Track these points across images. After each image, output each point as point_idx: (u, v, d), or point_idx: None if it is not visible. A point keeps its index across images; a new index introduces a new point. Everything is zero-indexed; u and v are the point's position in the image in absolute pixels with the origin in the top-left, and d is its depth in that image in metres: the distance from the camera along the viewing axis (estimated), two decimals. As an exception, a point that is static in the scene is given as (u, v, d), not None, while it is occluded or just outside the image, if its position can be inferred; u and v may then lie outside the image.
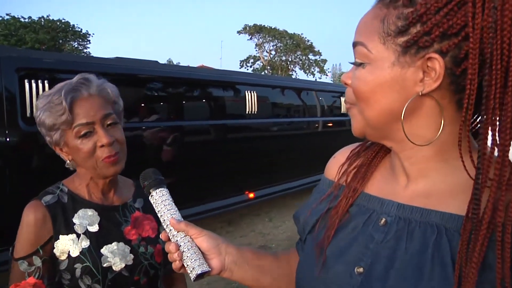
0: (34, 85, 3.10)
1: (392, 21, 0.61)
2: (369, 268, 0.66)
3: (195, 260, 0.80)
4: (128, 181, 1.31)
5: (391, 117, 0.65)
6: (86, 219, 1.13)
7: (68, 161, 1.15)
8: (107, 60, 3.97)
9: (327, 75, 52.27)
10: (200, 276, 0.79)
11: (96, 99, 1.11)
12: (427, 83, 0.60)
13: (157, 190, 0.86)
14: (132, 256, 1.15)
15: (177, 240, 0.82)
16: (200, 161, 4.61)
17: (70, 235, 1.10)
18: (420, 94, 0.61)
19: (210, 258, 0.84)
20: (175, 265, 0.82)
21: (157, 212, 0.86)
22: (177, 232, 0.82)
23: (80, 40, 36.91)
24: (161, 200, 0.85)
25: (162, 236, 0.86)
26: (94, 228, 1.13)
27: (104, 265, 1.10)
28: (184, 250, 0.80)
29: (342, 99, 7.43)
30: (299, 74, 49.88)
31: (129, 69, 3.84)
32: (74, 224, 1.12)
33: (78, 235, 1.11)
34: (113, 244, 1.14)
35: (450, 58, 0.58)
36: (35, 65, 3.25)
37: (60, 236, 1.09)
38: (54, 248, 1.09)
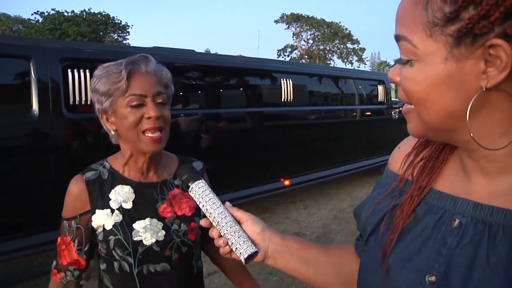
0: (76, 74, 3.23)
1: (438, 6, 0.50)
2: (443, 277, 0.58)
3: (243, 242, 0.81)
4: (172, 157, 1.35)
5: (452, 118, 0.55)
6: (122, 196, 1.20)
7: (112, 132, 1.20)
8: (144, 49, 4.06)
9: (365, 64, 51.34)
10: (250, 258, 0.81)
11: (152, 77, 1.18)
12: (492, 74, 0.49)
13: (196, 183, 0.89)
14: (164, 232, 1.20)
15: (222, 226, 0.83)
16: (238, 148, 4.68)
17: (105, 210, 1.18)
18: (484, 89, 0.50)
19: (254, 244, 0.84)
20: (223, 250, 0.84)
21: (198, 203, 0.88)
22: (222, 218, 0.84)
23: (120, 31, 38.03)
24: (201, 190, 0.88)
25: (202, 223, 0.88)
26: (128, 205, 1.19)
27: (135, 239, 1.16)
28: (231, 234, 0.82)
29: (380, 87, 7.31)
30: (337, 63, 49.27)
31: (167, 58, 3.89)
32: (110, 199, 1.19)
33: (112, 210, 1.18)
34: (147, 219, 1.19)
35: None
36: (77, 55, 3.39)
37: (97, 211, 1.18)
38: (92, 221, 1.18)
